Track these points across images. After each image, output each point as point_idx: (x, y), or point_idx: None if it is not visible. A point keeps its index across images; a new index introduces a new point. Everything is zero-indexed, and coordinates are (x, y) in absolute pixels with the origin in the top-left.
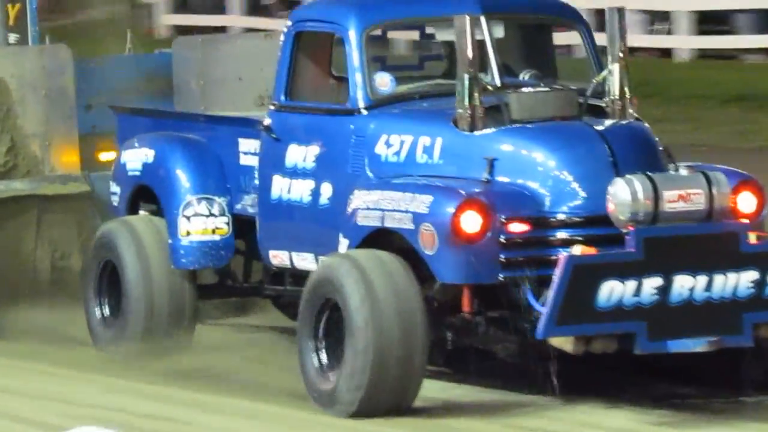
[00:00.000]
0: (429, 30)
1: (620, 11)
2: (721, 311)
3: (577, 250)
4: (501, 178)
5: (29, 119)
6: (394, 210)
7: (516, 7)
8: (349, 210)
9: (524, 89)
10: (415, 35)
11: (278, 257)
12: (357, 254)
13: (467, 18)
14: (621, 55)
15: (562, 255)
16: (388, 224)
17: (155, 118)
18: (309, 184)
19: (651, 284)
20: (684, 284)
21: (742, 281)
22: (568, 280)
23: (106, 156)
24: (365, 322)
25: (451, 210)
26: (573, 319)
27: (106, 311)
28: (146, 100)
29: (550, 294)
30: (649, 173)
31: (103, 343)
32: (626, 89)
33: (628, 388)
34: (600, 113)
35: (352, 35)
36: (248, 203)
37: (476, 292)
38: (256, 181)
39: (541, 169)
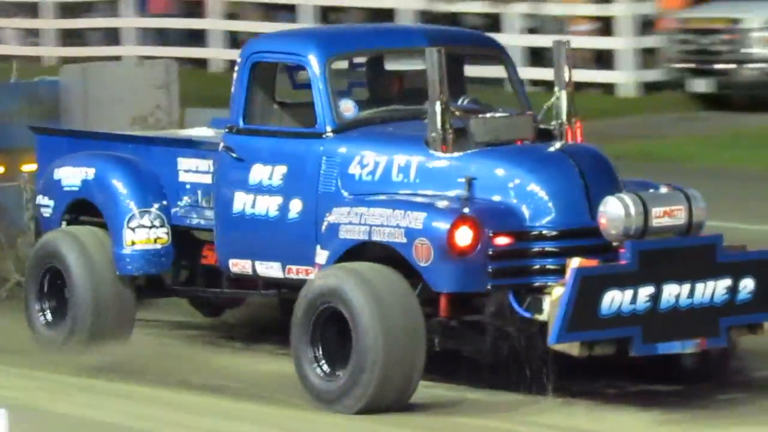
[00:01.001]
0: (357, 60)
1: (566, 43)
2: (702, 316)
3: (576, 262)
4: (479, 196)
5: None
6: (382, 225)
7: (453, 39)
8: (329, 224)
9: (486, 114)
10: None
11: (239, 265)
12: (359, 266)
13: (437, 50)
14: (567, 82)
15: (570, 267)
16: (376, 238)
17: (77, 138)
18: (276, 199)
19: (644, 293)
20: (671, 292)
21: (718, 288)
22: (577, 291)
23: None
24: (374, 328)
25: (447, 226)
26: (580, 326)
27: (49, 315)
28: (33, 122)
29: (560, 303)
30: (637, 191)
31: (48, 344)
32: (573, 114)
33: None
34: (548, 136)
35: (317, 66)
36: (186, 215)
37: (453, 299)
38: (203, 196)
39: (519, 187)
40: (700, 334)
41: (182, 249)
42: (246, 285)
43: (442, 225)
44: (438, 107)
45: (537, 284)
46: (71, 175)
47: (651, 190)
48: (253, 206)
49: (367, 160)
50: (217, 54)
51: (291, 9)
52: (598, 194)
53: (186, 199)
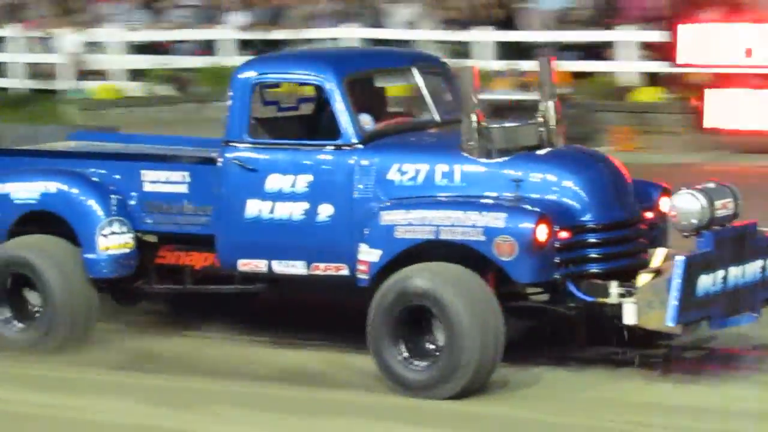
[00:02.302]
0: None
1: (549, 60)
2: (749, 293)
3: (662, 251)
4: (529, 196)
5: None
6: (453, 225)
7: (424, 60)
8: (383, 225)
9: (504, 124)
10: None
11: (250, 264)
12: (440, 267)
13: (469, 69)
14: (552, 93)
15: (678, 256)
16: (446, 237)
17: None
18: (301, 205)
19: (719, 276)
20: (734, 273)
21: (756, 268)
22: (685, 276)
23: None
24: (471, 330)
25: (531, 224)
26: (688, 308)
27: (15, 319)
28: None
29: (673, 288)
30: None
31: (21, 345)
32: (559, 121)
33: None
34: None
35: (335, 84)
36: (154, 222)
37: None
38: (174, 204)
39: (565, 188)
40: (749, 309)
41: (141, 252)
42: (215, 281)
43: (527, 223)
44: (474, 118)
45: (593, 271)
46: (25, 190)
47: (709, 185)
48: (271, 211)
49: (407, 168)
50: None
51: None
52: (622, 191)
53: (154, 208)
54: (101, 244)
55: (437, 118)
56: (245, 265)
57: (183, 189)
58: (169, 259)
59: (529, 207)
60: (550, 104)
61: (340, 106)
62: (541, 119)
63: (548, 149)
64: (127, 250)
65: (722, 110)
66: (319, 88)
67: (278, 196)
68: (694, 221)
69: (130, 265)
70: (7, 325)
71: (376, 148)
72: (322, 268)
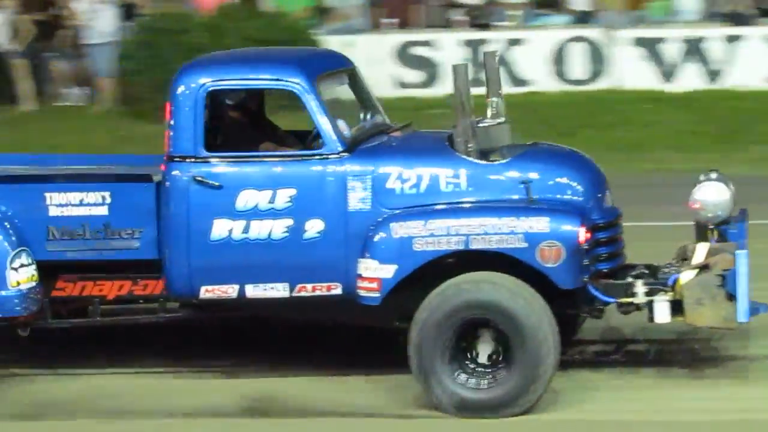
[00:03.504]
0: None
1: (495, 54)
2: None
3: (704, 246)
4: (543, 198)
5: None
6: (486, 233)
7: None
8: (398, 238)
9: (482, 123)
10: None
11: (216, 291)
12: (492, 277)
13: (463, 66)
14: (499, 89)
15: (739, 251)
16: (478, 246)
17: None
18: (284, 222)
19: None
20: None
21: None
22: (746, 271)
23: None
24: (542, 332)
25: (576, 227)
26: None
27: None
28: None
29: (741, 283)
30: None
31: None
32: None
33: None
34: None
35: (310, 88)
36: (59, 249)
37: None
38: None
39: (573, 187)
40: None
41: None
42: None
43: (572, 226)
44: (469, 123)
45: (605, 270)
46: None
47: (713, 175)
48: (245, 231)
49: (407, 175)
50: None
51: None
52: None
53: (62, 234)
54: (12, 279)
55: (388, 120)
56: (209, 291)
57: (102, 211)
58: (70, 291)
59: (568, 209)
60: (500, 101)
61: (318, 112)
62: (499, 117)
63: (534, 147)
64: (34, 283)
65: None
66: (286, 93)
67: (253, 214)
68: (721, 213)
69: (38, 300)
70: None
71: (368, 155)
72: (309, 289)
